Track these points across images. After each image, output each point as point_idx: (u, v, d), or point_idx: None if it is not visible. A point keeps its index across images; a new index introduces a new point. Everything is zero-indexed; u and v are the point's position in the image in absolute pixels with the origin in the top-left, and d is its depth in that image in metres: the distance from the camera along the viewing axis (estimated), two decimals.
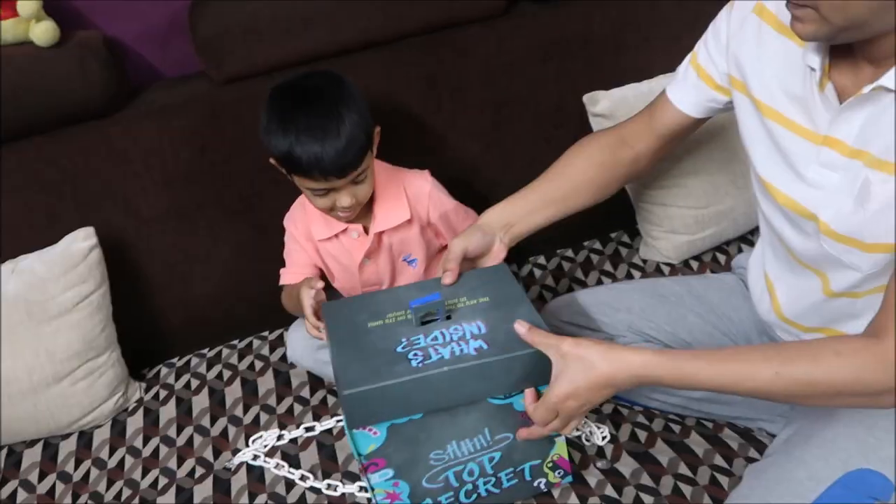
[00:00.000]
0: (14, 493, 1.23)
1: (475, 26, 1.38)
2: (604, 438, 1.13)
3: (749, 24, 0.95)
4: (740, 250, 1.43)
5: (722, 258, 1.45)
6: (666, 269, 1.44)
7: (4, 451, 1.29)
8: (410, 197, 1.21)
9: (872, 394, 0.81)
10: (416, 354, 0.94)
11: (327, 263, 1.26)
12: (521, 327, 0.93)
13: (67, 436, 1.30)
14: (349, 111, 1.08)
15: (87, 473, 1.24)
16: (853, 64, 0.85)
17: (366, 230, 1.21)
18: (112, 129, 1.30)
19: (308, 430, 1.24)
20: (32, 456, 1.27)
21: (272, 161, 1.14)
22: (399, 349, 0.95)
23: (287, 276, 1.25)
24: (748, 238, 1.46)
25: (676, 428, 1.16)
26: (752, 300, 1.13)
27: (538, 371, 0.94)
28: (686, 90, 1.07)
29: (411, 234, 1.23)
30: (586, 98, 1.41)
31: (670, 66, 1.42)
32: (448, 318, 0.99)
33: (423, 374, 0.91)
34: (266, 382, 1.34)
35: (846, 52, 0.85)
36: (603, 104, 1.38)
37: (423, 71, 1.39)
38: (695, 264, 1.45)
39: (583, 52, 1.43)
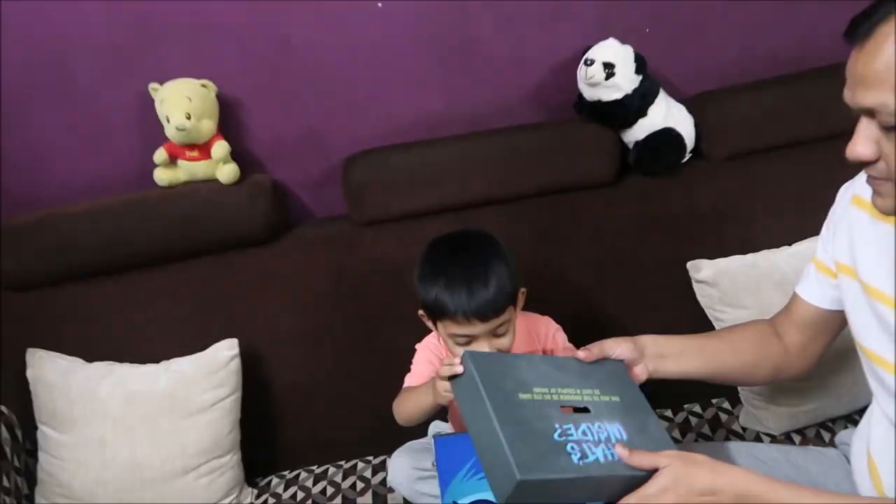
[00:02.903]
0: None
1: (587, 192, 1.53)
2: None
3: (850, 213, 1.01)
4: (845, 427, 1.41)
5: (826, 435, 1.42)
6: (766, 440, 1.43)
7: None
8: (538, 337, 1.29)
9: None
10: (573, 448, 0.93)
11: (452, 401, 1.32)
12: (622, 450, 0.93)
13: None
14: (498, 260, 1.15)
15: None
16: None
17: None
18: (266, 256, 1.51)
19: None
20: None
21: (420, 313, 1.22)
22: (556, 437, 0.94)
23: (408, 382, 1.29)
24: (853, 417, 1.43)
25: None
26: (853, 476, 1.11)
27: None
28: (811, 284, 1.10)
29: None
30: (690, 265, 1.49)
31: (772, 241, 1.51)
32: (587, 409, 0.99)
33: (586, 474, 0.90)
34: (364, 501, 1.42)
35: None
36: (706, 272, 1.46)
37: (538, 227, 1.53)
38: (796, 438, 1.43)
39: (686, 223, 1.54)
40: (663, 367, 1.10)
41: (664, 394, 1.53)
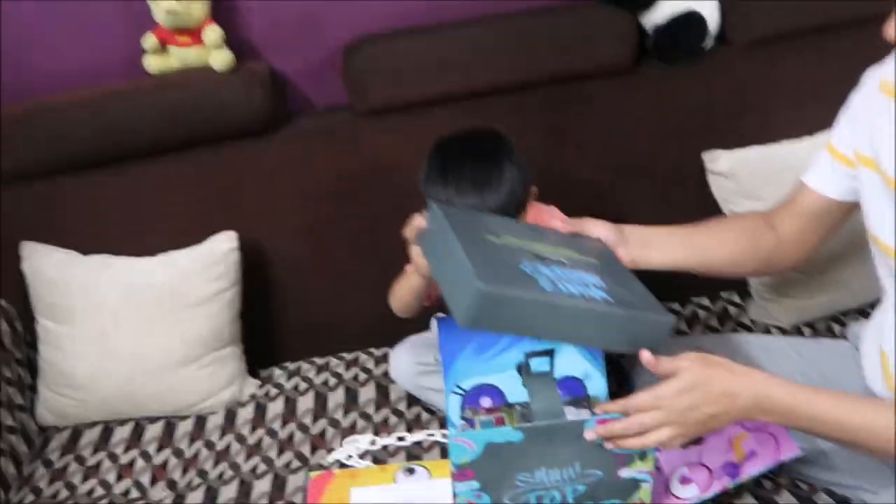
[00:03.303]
0: (133, 461, 1.35)
1: (600, 80, 1.46)
2: None
3: (877, 100, 0.96)
4: (857, 320, 1.38)
5: (837, 328, 1.40)
6: (776, 333, 1.41)
7: (132, 424, 1.42)
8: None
9: None
10: (544, 280, 0.90)
11: None
12: (647, 357, 0.91)
13: (185, 417, 1.42)
14: (510, 165, 1.11)
15: (198, 453, 1.35)
16: None
17: None
18: (265, 148, 1.46)
19: (400, 439, 1.30)
20: (154, 431, 1.41)
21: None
22: (524, 269, 0.91)
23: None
24: (867, 311, 1.40)
25: (769, 485, 1.12)
26: (864, 371, 1.09)
27: (653, 339, 0.93)
28: (820, 172, 1.07)
29: None
30: (706, 156, 1.44)
31: (791, 132, 1.45)
32: (563, 263, 0.97)
33: (559, 301, 0.87)
34: (367, 393, 1.42)
35: None
36: (723, 163, 1.41)
37: (548, 119, 1.47)
38: (807, 331, 1.41)
39: (704, 113, 1.47)
40: (647, 256, 1.07)
41: (672, 287, 1.51)
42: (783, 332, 1.41)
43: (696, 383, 0.87)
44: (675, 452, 1.10)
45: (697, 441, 1.10)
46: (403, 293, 1.23)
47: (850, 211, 1.08)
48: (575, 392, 1.16)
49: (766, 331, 1.42)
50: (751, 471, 1.06)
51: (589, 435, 0.95)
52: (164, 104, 1.40)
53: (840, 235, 1.38)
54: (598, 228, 1.06)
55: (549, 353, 1.09)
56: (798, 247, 1.12)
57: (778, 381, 0.89)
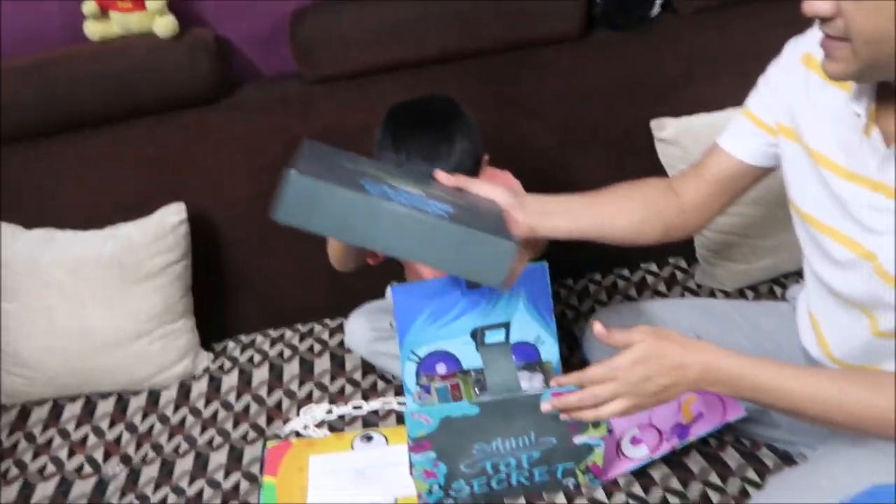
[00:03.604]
0: (86, 438, 1.34)
1: (551, 48, 1.46)
2: None
3: (798, 73, 0.97)
4: (796, 282, 1.43)
5: (779, 291, 1.45)
6: (720, 297, 1.45)
7: (82, 400, 1.40)
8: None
9: None
10: (373, 186, 0.89)
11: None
12: (600, 329, 0.91)
13: (138, 392, 1.41)
14: (462, 137, 1.11)
15: (152, 427, 1.34)
16: None
17: None
18: (211, 118, 1.43)
19: (356, 408, 1.31)
20: (106, 407, 1.39)
21: None
22: (361, 180, 0.90)
23: None
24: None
25: (714, 442, 1.16)
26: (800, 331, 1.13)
27: (491, 266, 0.90)
28: (739, 137, 1.07)
29: None
30: (653, 123, 1.46)
31: (739, 100, 1.47)
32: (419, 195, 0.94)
33: (374, 202, 0.85)
34: (322, 363, 1.42)
35: (892, 97, 0.85)
36: (669, 130, 1.43)
37: (499, 86, 1.47)
38: (750, 294, 1.45)
39: (653, 81, 1.49)
40: (546, 224, 1.04)
41: (620, 256, 1.54)
42: (727, 295, 1.45)
43: (650, 355, 0.88)
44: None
45: None
46: (332, 246, 1.22)
47: (760, 177, 1.09)
48: (528, 357, 1.19)
49: (712, 294, 1.46)
50: (698, 432, 1.10)
51: (545, 407, 0.97)
52: (106, 72, 1.36)
53: (781, 198, 1.42)
54: (492, 191, 1.02)
55: (506, 326, 1.11)
56: (701, 214, 1.12)
57: (725, 352, 0.91)
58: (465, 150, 1.11)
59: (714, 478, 1.10)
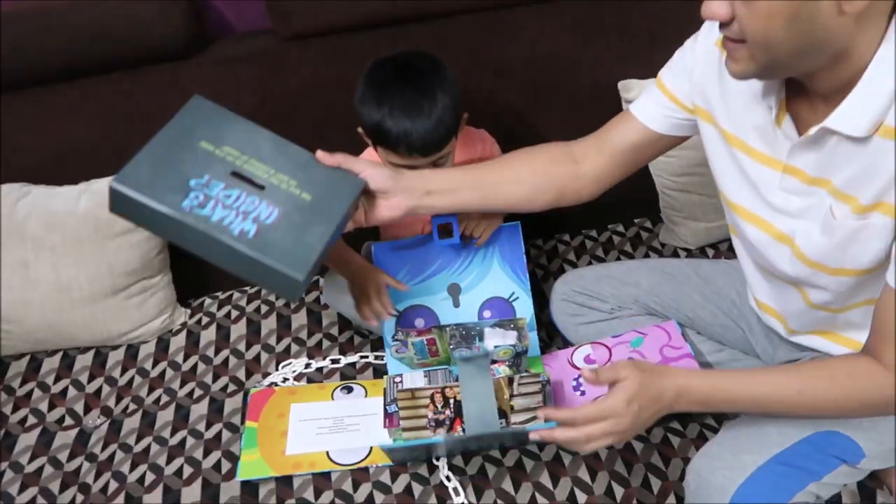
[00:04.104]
0: (65, 390, 1.36)
1: (522, 9, 1.48)
2: None
3: (713, 55, 0.99)
4: None
5: None
6: (683, 254, 1.52)
7: (60, 354, 1.42)
8: (475, 149, 1.28)
9: (877, 409, 0.91)
10: (197, 197, 0.92)
11: None
12: (587, 373, 0.94)
13: (116, 347, 1.42)
14: (444, 94, 1.12)
15: (132, 381, 1.36)
16: (808, 97, 0.88)
17: None
18: (185, 73, 1.43)
19: (334, 361, 1.35)
20: (84, 361, 1.41)
21: (359, 130, 1.19)
22: (192, 182, 0.93)
23: None
24: None
25: None
26: None
27: (284, 289, 0.93)
28: (649, 106, 1.08)
29: None
30: (621, 85, 1.49)
31: None
32: (262, 187, 0.96)
33: (180, 218, 0.90)
34: (299, 319, 1.45)
35: (802, 85, 0.89)
36: (636, 92, 1.47)
37: (470, 46, 1.49)
38: (710, 251, 1.52)
39: (621, 43, 1.52)
40: (429, 202, 1.06)
41: (588, 218, 1.59)
42: (689, 253, 1.52)
43: (637, 391, 0.92)
44: (590, 393, 1.18)
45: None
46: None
47: (662, 149, 1.12)
48: (503, 313, 1.24)
49: (675, 253, 1.52)
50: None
51: (532, 437, 1.00)
52: (77, 25, 1.35)
53: None
54: (367, 171, 1.01)
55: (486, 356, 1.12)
56: (598, 180, 1.12)
57: (696, 373, 0.96)
58: (447, 105, 1.13)
59: (675, 424, 1.17)
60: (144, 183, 0.91)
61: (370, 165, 1.03)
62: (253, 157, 0.98)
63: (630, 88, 1.48)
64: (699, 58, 1.01)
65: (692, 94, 1.03)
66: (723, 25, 0.83)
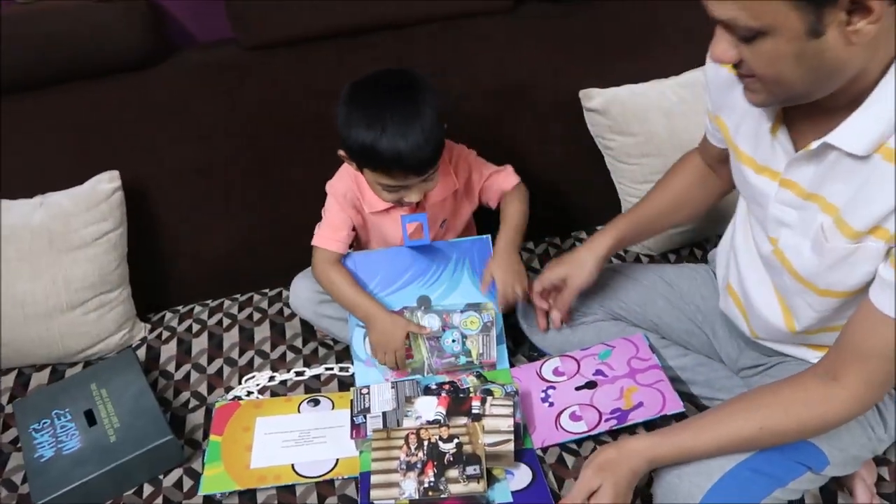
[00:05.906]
0: None
1: (484, 20, 1.49)
2: None
3: (722, 71, 1.01)
4: (715, 245, 1.52)
5: (699, 253, 1.53)
6: (645, 260, 1.53)
7: (14, 373, 1.37)
8: (453, 165, 1.27)
9: (837, 425, 0.94)
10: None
11: (369, 231, 1.30)
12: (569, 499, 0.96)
13: (74, 364, 1.39)
14: (431, 110, 1.11)
15: None
16: (808, 109, 0.88)
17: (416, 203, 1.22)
18: (146, 83, 1.41)
19: (298, 374, 1.33)
20: (40, 378, 1.36)
21: (341, 153, 1.17)
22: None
23: (322, 239, 1.27)
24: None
25: None
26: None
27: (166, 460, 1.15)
28: (708, 123, 1.14)
29: (448, 200, 1.29)
30: (582, 94, 1.51)
31: (664, 71, 1.54)
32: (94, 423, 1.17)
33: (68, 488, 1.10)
34: (262, 332, 1.43)
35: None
36: (597, 100, 1.49)
37: (434, 54, 1.49)
38: (672, 257, 1.53)
39: (582, 53, 1.54)
40: (622, 248, 1.29)
41: (552, 226, 1.59)
42: (652, 258, 1.53)
43: (614, 490, 0.93)
44: (569, 394, 1.19)
45: (590, 385, 1.20)
46: (342, 304, 1.28)
47: None
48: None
49: (638, 259, 1.54)
50: (636, 419, 1.13)
51: None
52: (35, 35, 1.33)
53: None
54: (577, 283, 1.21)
55: None
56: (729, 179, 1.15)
57: (658, 441, 0.96)
58: (435, 122, 1.12)
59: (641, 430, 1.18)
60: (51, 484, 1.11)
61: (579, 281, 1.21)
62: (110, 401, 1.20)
63: (591, 97, 1.50)
64: (712, 73, 1.04)
65: (714, 107, 1.07)
66: (733, 65, 0.84)
